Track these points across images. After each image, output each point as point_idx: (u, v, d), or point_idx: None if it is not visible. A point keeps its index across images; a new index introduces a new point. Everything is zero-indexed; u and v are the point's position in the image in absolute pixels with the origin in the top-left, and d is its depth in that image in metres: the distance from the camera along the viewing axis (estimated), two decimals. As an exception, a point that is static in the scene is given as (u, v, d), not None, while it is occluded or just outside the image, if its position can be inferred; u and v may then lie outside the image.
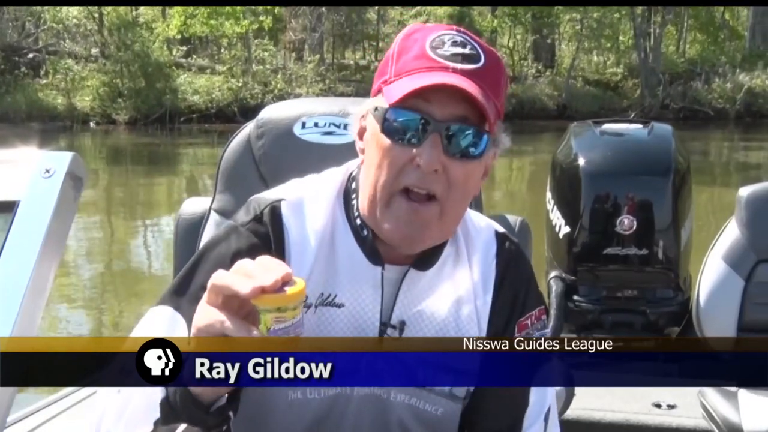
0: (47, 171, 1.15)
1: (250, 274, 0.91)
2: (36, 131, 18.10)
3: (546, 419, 1.23)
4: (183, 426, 0.98)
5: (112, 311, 6.43)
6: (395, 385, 1.19)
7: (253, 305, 0.90)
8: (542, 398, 1.23)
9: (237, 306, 0.92)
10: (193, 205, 1.87)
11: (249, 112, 21.16)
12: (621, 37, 25.78)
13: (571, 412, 2.28)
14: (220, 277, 0.92)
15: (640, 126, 3.74)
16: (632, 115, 19.01)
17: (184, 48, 24.35)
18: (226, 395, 0.99)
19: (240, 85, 21.86)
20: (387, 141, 1.10)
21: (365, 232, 1.18)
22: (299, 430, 1.20)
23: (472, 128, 1.09)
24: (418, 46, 1.12)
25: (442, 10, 22.74)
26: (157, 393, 0.99)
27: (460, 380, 1.21)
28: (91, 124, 20.60)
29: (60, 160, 1.17)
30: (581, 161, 3.44)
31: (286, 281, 0.91)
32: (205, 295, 0.94)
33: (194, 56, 24.67)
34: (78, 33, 23.76)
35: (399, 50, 1.14)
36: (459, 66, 1.09)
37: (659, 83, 22.86)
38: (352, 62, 26.70)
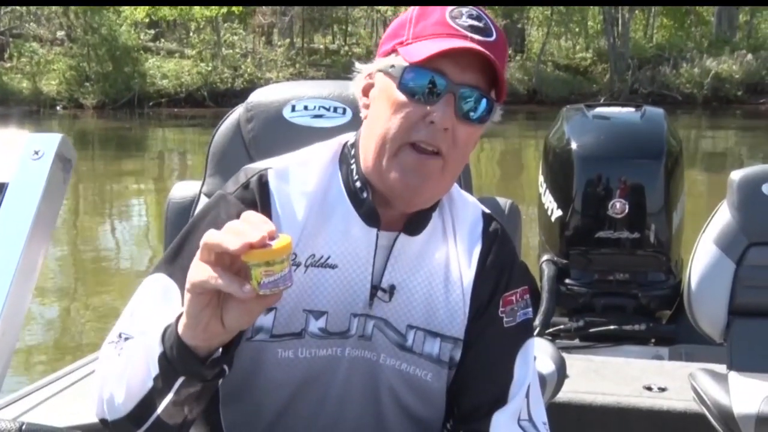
0: (36, 153, 1.14)
1: (239, 232, 0.94)
2: (1, 115, 17.84)
3: (527, 395, 1.24)
4: (181, 379, 1.02)
5: (77, 298, 6.37)
6: (384, 348, 1.23)
7: (243, 261, 0.94)
8: (524, 373, 1.25)
9: (228, 262, 0.95)
10: (183, 189, 1.86)
11: (219, 96, 21.03)
12: (590, 22, 25.99)
13: (563, 395, 2.28)
14: (211, 236, 0.95)
15: (632, 109, 3.74)
16: (602, 100, 19.28)
17: (152, 31, 24.11)
18: (221, 348, 1.02)
19: (209, 69, 21.68)
20: (402, 97, 1.15)
21: (364, 195, 1.21)
22: (289, 390, 1.22)
23: (483, 95, 1.15)
24: (438, 14, 1.17)
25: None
26: (153, 351, 1.03)
27: (446, 346, 1.24)
28: (58, 109, 20.34)
29: (49, 141, 1.15)
30: (574, 145, 3.44)
31: (272, 237, 0.95)
32: (198, 253, 0.97)
33: (162, 40, 24.46)
34: (42, 15, 23.45)
35: (417, 16, 1.19)
36: (476, 37, 1.15)
37: (628, 68, 23.12)
38: (321, 46, 26.67)
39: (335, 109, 1.76)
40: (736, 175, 2.47)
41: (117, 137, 17.22)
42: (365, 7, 26.92)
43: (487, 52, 1.12)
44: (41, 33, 22.90)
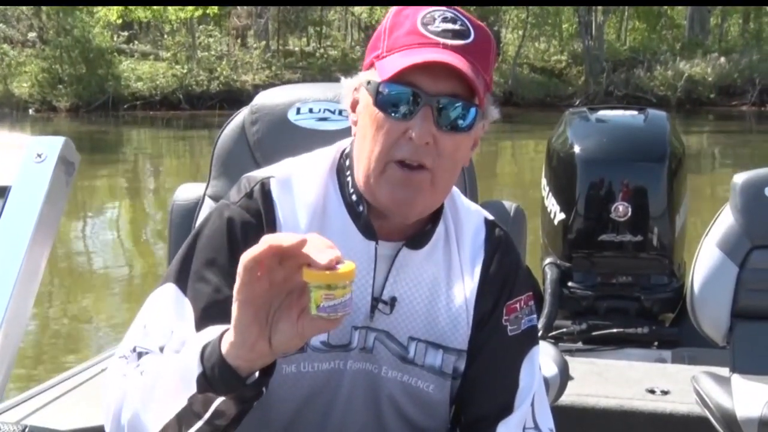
0: (39, 156, 1.13)
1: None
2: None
3: (532, 404, 1.24)
4: (219, 401, 0.99)
5: (52, 303, 6.24)
6: (386, 360, 1.22)
7: (305, 282, 0.91)
8: (530, 382, 1.24)
9: (281, 279, 0.91)
10: (187, 191, 1.86)
11: (194, 99, 20.90)
12: (564, 25, 26.22)
13: (565, 398, 2.27)
14: (276, 238, 0.91)
15: (635, 112, 3.74)
16: (577, 102, 19.37)
17: (126, 33, 23.95)
18: (260, 369, 1.00)
19: (185, 71, 21.56)
20: (380, 114, 1.13)
21: (360, 208, 1.20)
22: (293, 404, 1.22)
23: (462, 102, 1.12)
24: (409, 22, 1.15)
25: (389, -4, 22.78)
26: (191, 371, 0.99)
27: (449, 358, 1.23)
28: (31, 111, 20.12)
29: (52, 144, 1.15)
30: (576, 148, 3.44)
31: (337, 262, 0.92)
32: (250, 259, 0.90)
33: (136, 42, 24.23)
34: (12, 16, 23.24)
35: (391, 26, 1.16)
36: (449, 42, 1.12)
37: (603, 70, 23.29)
38: (297, 49, 26.68)
39: (340, 112, 1.75)
40: (739, 178, 2.47)
41: (92, 140, 16.93)
42: (340, 8, 26.97)
43: (454, 62, 1.09)
44: (11, 34, 22.65)
